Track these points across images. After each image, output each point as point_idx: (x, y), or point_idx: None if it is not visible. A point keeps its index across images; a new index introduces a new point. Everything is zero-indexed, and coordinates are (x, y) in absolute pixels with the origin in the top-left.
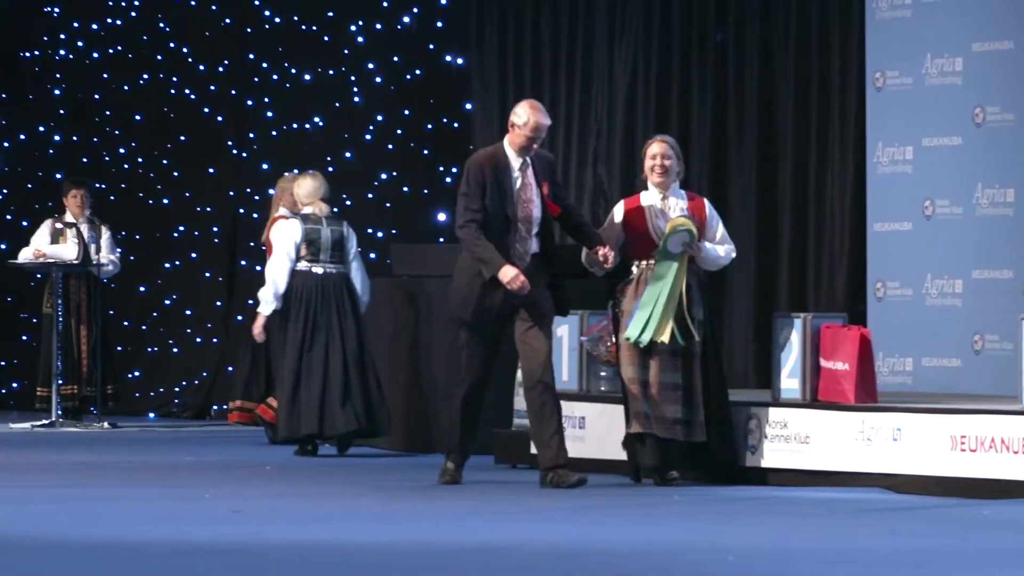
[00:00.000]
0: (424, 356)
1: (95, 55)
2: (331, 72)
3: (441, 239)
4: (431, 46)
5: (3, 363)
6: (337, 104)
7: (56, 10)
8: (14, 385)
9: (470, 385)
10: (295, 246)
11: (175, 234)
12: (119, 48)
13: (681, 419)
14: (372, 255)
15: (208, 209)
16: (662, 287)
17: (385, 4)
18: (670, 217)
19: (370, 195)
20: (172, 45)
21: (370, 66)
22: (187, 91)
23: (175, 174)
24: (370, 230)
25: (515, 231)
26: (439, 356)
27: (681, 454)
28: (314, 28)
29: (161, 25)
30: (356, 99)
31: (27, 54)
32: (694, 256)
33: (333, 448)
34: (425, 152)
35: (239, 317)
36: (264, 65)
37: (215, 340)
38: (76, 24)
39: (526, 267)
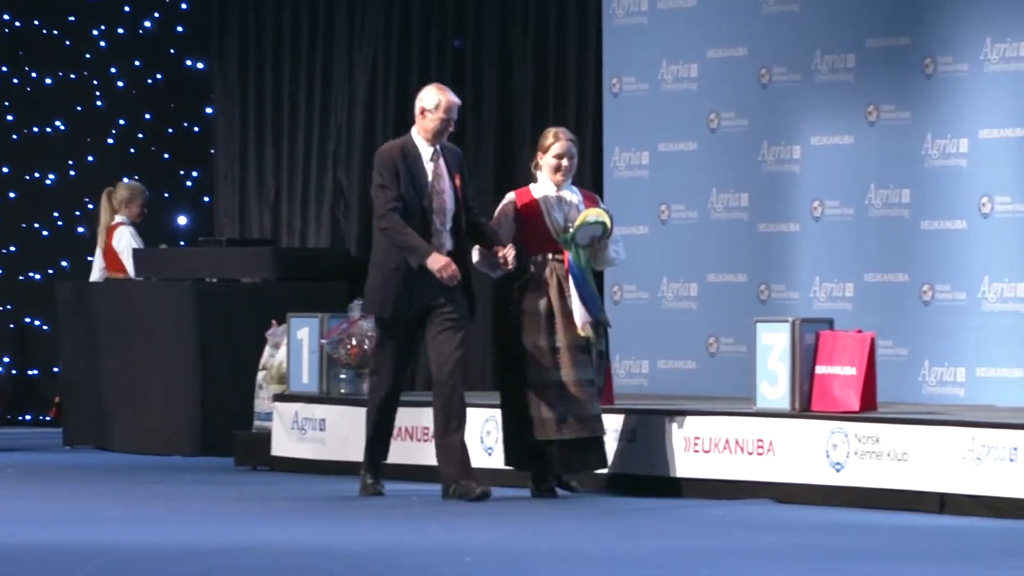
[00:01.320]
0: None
1: None
2: (73, 76)
3: (182, 242)
4: (172, 51)
5: None
6: (79, 108)
7: None
8: None
9: (385, 394)
10: None
11: None
12: None
13: (599, 415)
14: None
15: None
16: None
17: (127, 9)
18: (567, 208)
19: None
20: None
21: (112, 70)
22: None
23: None
24: None
25: (431, 224)
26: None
27: (579, 454)
28: (55, 32)
29: None
30: (98, 103)
31: None
32: (597, 251)
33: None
34: (166, 156)
35: None
36: (4, 69)
37: None
38: None
39: None
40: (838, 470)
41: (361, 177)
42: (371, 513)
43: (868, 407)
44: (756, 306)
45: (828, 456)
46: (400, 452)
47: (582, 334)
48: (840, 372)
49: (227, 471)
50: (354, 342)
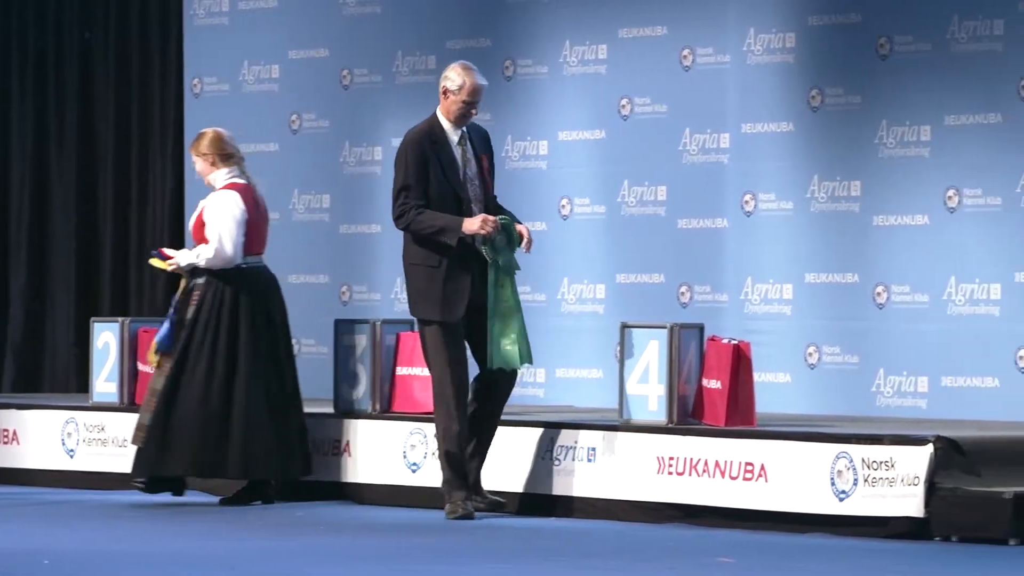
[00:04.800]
0: None
1: None
2: None
3: None
4: None
5: None
6: None
7: None
8: None
9: (458, 401)
10: None
11: None
12: None
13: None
14: None
15: None
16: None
17: None
18: None
19: None
20: None
21: None
22: None
23: None
24: None
25: (471, 213)
26: None
27: None
28: None
29: None
30: None
31: None
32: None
33: None
34: None
35: None
36: None
37: None
38: None
39: None
40: (414, 471)
41: None
42: None
43: None
44: (338, 307)
45: (405, 456)
46: None
47: None
48: (421, 373)
49: None
50: None
